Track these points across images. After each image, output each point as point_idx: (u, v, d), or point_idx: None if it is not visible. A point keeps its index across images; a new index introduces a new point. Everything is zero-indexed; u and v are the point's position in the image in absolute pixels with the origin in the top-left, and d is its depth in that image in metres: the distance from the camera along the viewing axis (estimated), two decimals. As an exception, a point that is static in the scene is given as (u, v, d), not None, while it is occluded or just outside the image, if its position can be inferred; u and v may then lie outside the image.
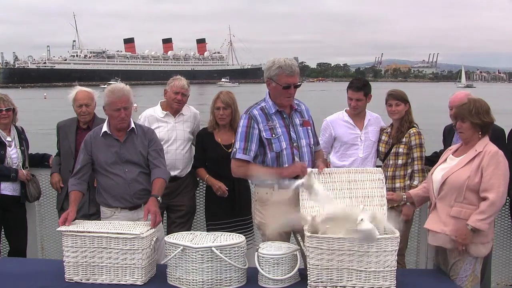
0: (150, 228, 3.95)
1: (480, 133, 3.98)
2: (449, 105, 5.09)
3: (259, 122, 4.23)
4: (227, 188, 5.15)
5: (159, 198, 4.33)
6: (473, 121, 3.94)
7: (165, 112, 5.41)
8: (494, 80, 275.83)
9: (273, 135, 4.22)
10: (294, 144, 4.26)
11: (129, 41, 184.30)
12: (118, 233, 3.82)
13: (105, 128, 4.52)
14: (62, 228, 3.91)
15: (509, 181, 4.00)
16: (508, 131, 5.07)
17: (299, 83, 4.28)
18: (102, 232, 3.85)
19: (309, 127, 4.41)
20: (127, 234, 3.82)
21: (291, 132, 4.27)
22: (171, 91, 5.34)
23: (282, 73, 4.18)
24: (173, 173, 5.16)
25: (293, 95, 4.27)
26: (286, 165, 4.22)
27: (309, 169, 4.08)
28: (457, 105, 4.80)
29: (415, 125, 5.19)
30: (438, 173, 4.09)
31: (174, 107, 5.37)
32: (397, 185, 5.09)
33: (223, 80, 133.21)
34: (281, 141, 4.21)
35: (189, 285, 3.69)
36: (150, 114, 5.44)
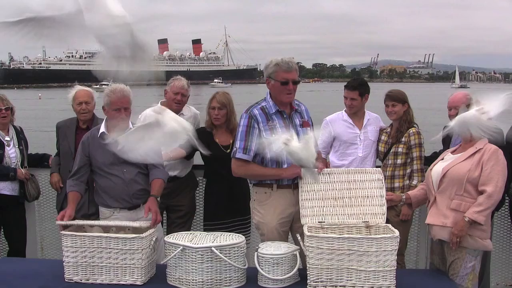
0: (150, 228, 3.96)
1: None
2: (448, 106, 5.10)
3: (259, 122, 4.24)
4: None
5: (158, 199, 4.34)
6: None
7: (165, 112, 5.39)
8: (490, 80, 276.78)
9: (273, 135, 4.23)
10: (294, 144, 4.26)
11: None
12: (117, 233, 3.82)
13: (102, 128, 4.51)
14: (64, 232, 3.91)
15: (509, 181, 4.02)
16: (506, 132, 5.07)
17: (298, 80, 4.30)
18: (101, 232, 3.85)
19: (309, 128, 4.42)
20: (126, 234, 3.82)
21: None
22: (171, 91, 5.34)
23: (279, 70, 4.22)
24: (172, 174, 5.16)
25: (292, 91, 4.27)
26: (285, 166, 4.23)
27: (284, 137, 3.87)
28: (456, 105, 4.85)
29: (414, 125, 5.20)
30: (438, 167, 4.11)
31: (173, 107, 5.35)
32: (396, 184, 5.10)
33: (215, 80, 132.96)
34: None
35: (189, 285, 3.69)
36: (150, 114, 5.42)
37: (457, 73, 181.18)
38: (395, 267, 3.62)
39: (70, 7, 2.49)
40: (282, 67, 4.22)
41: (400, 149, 5.11)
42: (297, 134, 4.30)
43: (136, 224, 3.89)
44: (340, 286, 3.63)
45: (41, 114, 37.86)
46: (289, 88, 4.24)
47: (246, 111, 4.32)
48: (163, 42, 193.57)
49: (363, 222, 4.07)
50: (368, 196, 4.10)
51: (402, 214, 4.95)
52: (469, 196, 3.91)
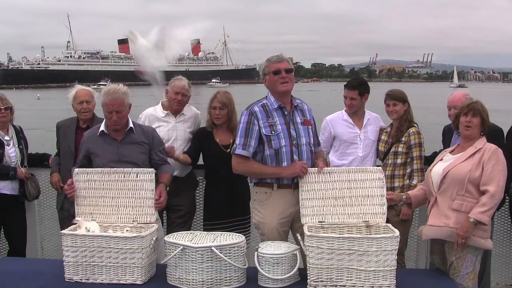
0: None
1: (481, 132, 4.07)
2: (447, 105, 5.11)
3: (259, 119, 4.24)
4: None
5: (167, 188, 4.41)
6: (484, 117, 4.05)
7: (166, 112, 5.41)
8: (489, 80, 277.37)
9: (273, 132, 4.23)
10: (294, 142, 4.26)
11: (123, 42, 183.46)
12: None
13: (102, 127, 4.53)
14: (64, 232, 3.92)
15: (509, 181, 4.03)
16: (507, 131, 5.07)
17: (290, 67, 4.33)
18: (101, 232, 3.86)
19: (310, 127, 4.42)
20: (126, 233, 3.82)
21: (291, 130, 4.27)
22: (172, 91, 5.35)
23: (270, 63, 4.32)
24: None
25: (287, 79, 4.28)
26: (285, 163, 4.23)
27: None
28: (455, 104, 4.85)
29: (415, 125, 5.20)
30: (438, 168, 4.12)
31: (174, 107, 5.37)
32: (396, 184, 5.10)
33: (213, 80, 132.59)
34: (281, 138, 4.22)
35: (189, 285, 3.69)
36: (151, 113, 5.45)
37: (455, 72, 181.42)
38: (395, 267, 3.61)
39: None
40: (272, 60, 4.31)
41: (400, 149, 5.11)
42: (298, 131, 4.31)
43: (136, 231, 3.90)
44: (340, 285, 3.63)
45: (40, 114, 37.86)
46: (282, 76, 4.26)
47: (247, 108, 4.34)
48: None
49: (363, 221, 4.07)
50: (368, 196, 4.09)
51: (402, 213, 4.95)
52: (470, 196, 3.91)
